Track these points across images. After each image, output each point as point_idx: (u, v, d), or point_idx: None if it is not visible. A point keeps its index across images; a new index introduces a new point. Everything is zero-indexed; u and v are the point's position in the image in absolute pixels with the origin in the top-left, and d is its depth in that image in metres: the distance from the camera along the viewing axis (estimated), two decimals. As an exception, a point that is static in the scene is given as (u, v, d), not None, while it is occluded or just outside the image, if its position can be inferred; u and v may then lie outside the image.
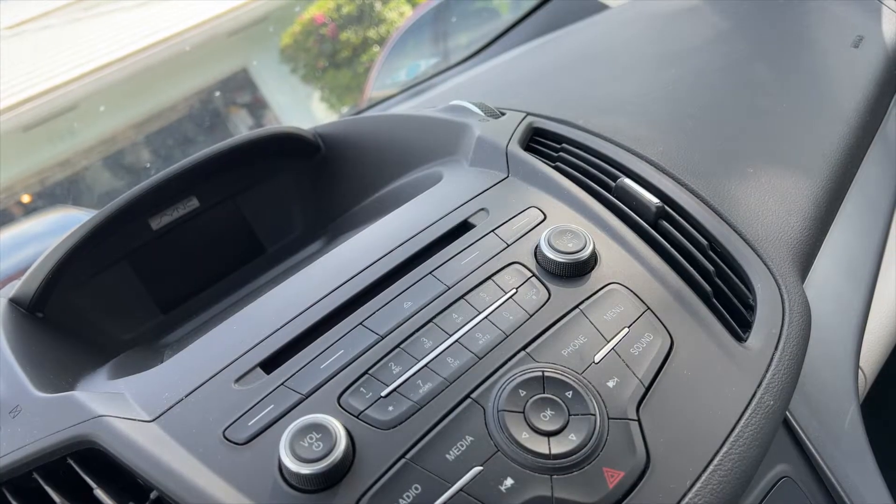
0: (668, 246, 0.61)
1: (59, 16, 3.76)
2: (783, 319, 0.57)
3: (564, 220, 0.61)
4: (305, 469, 0.44)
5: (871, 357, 0.72)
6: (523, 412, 0.48)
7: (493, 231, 0.61)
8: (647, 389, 0.50)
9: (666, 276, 0.58)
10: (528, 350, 0.52)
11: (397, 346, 0.52)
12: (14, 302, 0.69)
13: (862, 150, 0.76)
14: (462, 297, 0.55)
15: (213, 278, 0.84)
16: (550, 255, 0.56)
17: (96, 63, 3.35)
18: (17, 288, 0.69)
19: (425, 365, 0.51)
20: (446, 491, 0.45)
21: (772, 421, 0.52)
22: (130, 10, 3.94)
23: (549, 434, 0.47)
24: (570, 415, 0.48)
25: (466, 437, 0.47)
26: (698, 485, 0.47)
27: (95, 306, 0.75)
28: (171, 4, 4.06)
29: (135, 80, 3.38)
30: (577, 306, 0.55)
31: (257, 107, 3.87)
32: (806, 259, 0.64)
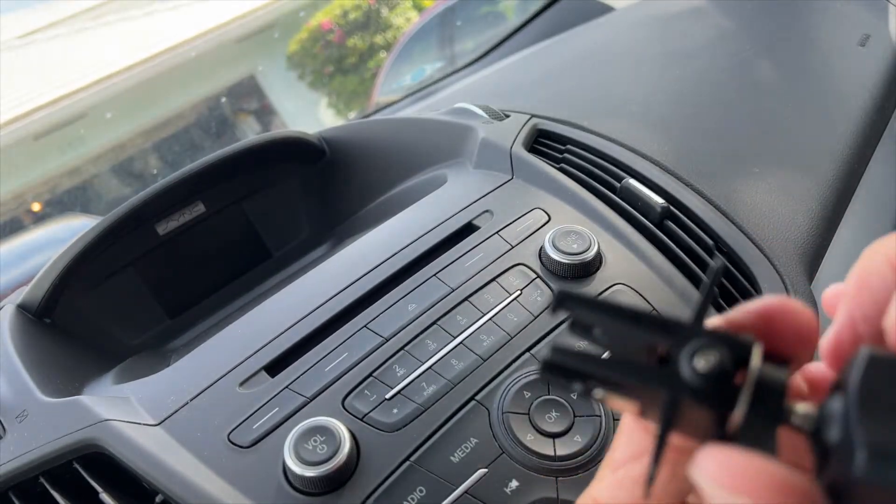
0: (674, 246, 0.60)
1: (68, 25, 3.79)
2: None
3: (569, 221, 0.61)
4: (309, 472, 0.44)
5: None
6: (528, 414, 0.48)
7: (497, 233, 0.61)
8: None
9: (671, 276, 0.58)
10: (532, 352, 0.52)
11: (401, 348, 0.52)
12: (22, 308, 0.69)
13: (869, 150, 0.76)
14: (466, 299, 0.55)
15: (220, 283, 0.84)
16: (555, 256, 0.56)
17: (105, 72, 3.38)
18: (24, 294, 0.70)
19: (430, 367, 0.51)
20: (451, 493, 0.44)
21: (779, 422, 0.51)
22: (137, 19, 3.97)
23: (554, 436, 0.47)
24: (575, 416, 0.48)
25: (471, 439, 0.47)
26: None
27: (102, 312, 0.75)
28: (177, 13, 4.09)
29: (143, 88, 3.40)
30: (582, 307, 0.54)
31: (265, 113, 3.89)
32: (813, 259, 0.64)
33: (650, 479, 0.21)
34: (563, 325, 0.53)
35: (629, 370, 0.21)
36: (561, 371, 0.22)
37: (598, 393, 0.21)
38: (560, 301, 0.22)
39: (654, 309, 0.55)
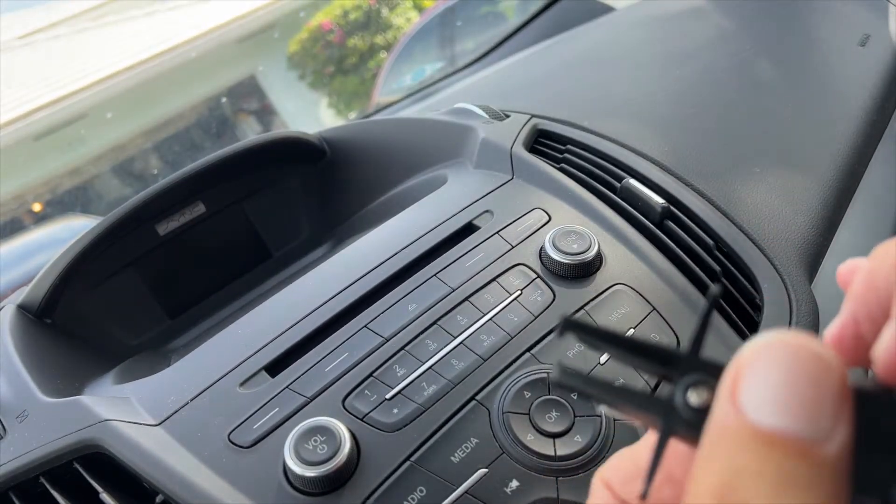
0: (674, 246, 0.60)
1: (69, 25, 3.79)
2: (791, 320, 0.56)
3: (569, 221, 0.61)
4: (310, 472, 0.44)
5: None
6: (528, 414, 0.48)
7: (497, 233, 0.61)
8: (653, 390, 0.50)
9: (672, 276, 0.58)
10: (532, 352, 0.52)
11: (402, 348, 0.52)
12: (22, 308, 0.69)
13: (870, 150, 0.76)
14: (467, 299, 0.55)
15: (220, 283, 0.84)
16: (555, 256, 0.56)
17: (105, 72, 3.38)
18: (25, 294, 0.70)
19: (430, 367, 0.51)
20: (452, 493, 0.44)
21: (780, 422, 0.51)
22: (138, 19, 3.97)
23: (554, 436, 0.47)
24: (575, 416, 0.47)
25: (471, 439, 0.47)
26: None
27: (103, 312, 0.75)
28: (177, 13, 4.09)
29: (143, 89, 3.40)
30: (582, 307, 0.54)
31: (265, 113, 3.89)
32: (814, 260, 0.64)
33: (643, 495, 0.21)
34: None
35: (628, 397, 0.22)
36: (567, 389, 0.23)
37: (603, 407, 0.22)
38: (565, 328, 0.23)
39: (655, 309, 0.55)
